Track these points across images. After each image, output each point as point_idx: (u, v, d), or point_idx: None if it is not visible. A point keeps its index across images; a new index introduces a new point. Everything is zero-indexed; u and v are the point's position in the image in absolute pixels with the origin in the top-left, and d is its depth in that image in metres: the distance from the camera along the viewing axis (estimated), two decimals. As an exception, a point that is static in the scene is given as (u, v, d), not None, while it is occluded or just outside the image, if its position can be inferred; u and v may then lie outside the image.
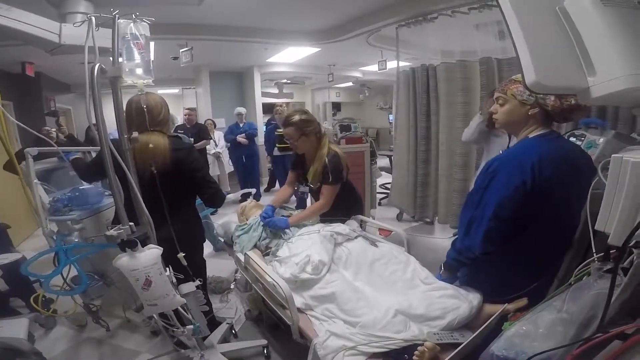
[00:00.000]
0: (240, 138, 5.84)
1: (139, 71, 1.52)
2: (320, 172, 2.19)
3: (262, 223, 2.22)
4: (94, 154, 2.31)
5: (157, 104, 1.88)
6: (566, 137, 1.84)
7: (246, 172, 6.12)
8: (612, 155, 0.80)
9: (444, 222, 3.88)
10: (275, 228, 2.14)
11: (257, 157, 6.27)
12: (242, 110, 6.11)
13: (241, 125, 6.05)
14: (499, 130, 2.72)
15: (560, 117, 1.34)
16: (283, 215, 2.35)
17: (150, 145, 1.71)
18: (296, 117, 2.20)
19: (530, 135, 1.36)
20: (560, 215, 1.31)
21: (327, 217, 2.22)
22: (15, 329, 2.07)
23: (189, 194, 2.03)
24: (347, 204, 2.35)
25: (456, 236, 1.50)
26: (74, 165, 2.13)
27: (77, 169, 2.11)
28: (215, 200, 2.06)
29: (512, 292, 1.35)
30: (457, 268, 1.54)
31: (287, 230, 2.11)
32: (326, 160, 2.15)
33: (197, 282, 1.78)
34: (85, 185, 2.54)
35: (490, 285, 1.48)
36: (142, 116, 1.70)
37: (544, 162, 1.27)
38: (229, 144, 6.09)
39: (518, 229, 1.32)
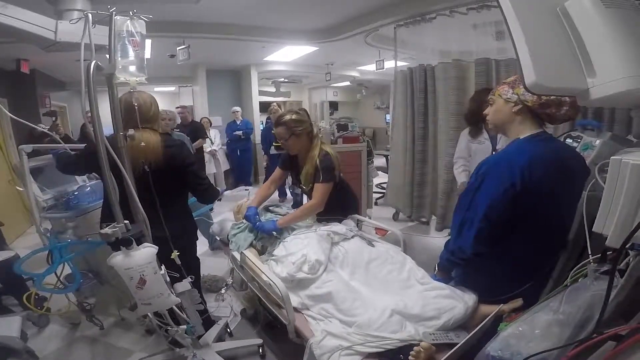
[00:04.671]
0: (237, 132, 6.65)
1: (132, 68, 1.51)
2: (312, 173, 2.16)
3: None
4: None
5: (147, 101, 1.87)
6: (562, 139, 1.84)
7: (240, 166, 6.88)
8: (611, 157, 0.80)
9: (438, 223, 3.88)
10: (263, 232, 2.11)
11: (250, 152, 7.04)
12: (237, 108, 6.78)
13: (238, 122, 6.69)
14: (479, 137, 2.75)
15: (545, 116, 1.34)
16: (279, 214, 2.34)
17: (143, 144, 1.70)
18: (287, 117, 2.18)
19: (521, 136, 1.36)
20: (551, 216, 1.32)
21: (324, 216, 2.21)
22: (8, 327, 2.05)
23: (181, 190, 2.02)
24: (343, 203, 2.34)
25: (449, 237, 1.51)
26: (57, 157, 2.07)
27: (59, 160, 2.04)
28: (208, 195, 2.05)
29: (506, 293, 1.36)
30: (451, 268, 1.55)
31: (283, 231, 2.10)
32: (317, 160, 2.13)
33: (189, 279, 1.77)
34: (90, 182, 2.54)
35: (485, 285, 1.49)
36: (131, 113, 1.68)
37: (534, 163, 1.27)
38: (228, 140, 6.81)
39: (509, 229, 1.33)
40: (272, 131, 5.06)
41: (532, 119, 1.35)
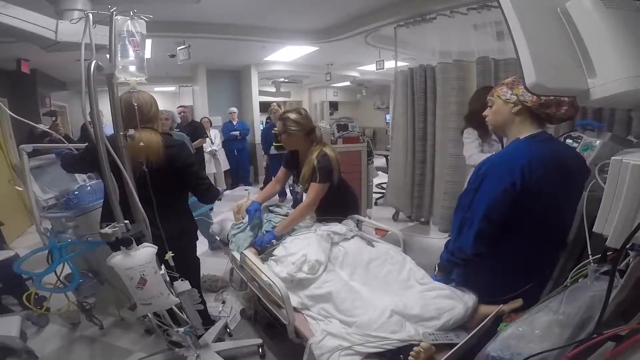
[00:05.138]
0: (234, 132, 6.90)
1: (132, 68, 1.51)
2: (309, 174, 2.18)
3: (257, 221, 2.25)
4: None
5: (147, 101, 1.87)
6: (563, 139, 1.84)
7: (237, 166, 7.14)
8: (612, 157, 0.80)
9: (439, 223, 3.88)
10: (263, 246, 2.10)
11: (246, 152, 7.31)
12: (234, 109, 7.06)
13: (234, 123, 6.96)
14: (489, 140, 2.65)
15: (545, 115, 1.34)
16: (279, 214, 2.35)
17: (142, 144, 1.70)
18: (287, 115, 2.24)
19: (521, 137, 1.37)
20: (551, 217, 1.33)
21: (324, 216, 2.22)
22: (7, 326, 2.05)
23: (182, 190, 2.02)
24: (343, 203, 2.35)
25: (449, 237, 1.51)
26: (63, 156, 2.13)
27: (64, 159, 2.10)
28: (209, 195, 2.05)
29: (506, 293, 1.36)
30: (451, 269, 1.55)
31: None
32: (315, 162, 2.15)
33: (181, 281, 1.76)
34: (91, 182, 2.54)
35: (485, 285, 1.49)
36: (132, 113, 1.68)
37: (534, 163, 1.27)
38: (224, 139, 6.92)
39: (509, 230, 1.33)
40: (273, 131, 5.11)
41: (531, 119, 1.35)
